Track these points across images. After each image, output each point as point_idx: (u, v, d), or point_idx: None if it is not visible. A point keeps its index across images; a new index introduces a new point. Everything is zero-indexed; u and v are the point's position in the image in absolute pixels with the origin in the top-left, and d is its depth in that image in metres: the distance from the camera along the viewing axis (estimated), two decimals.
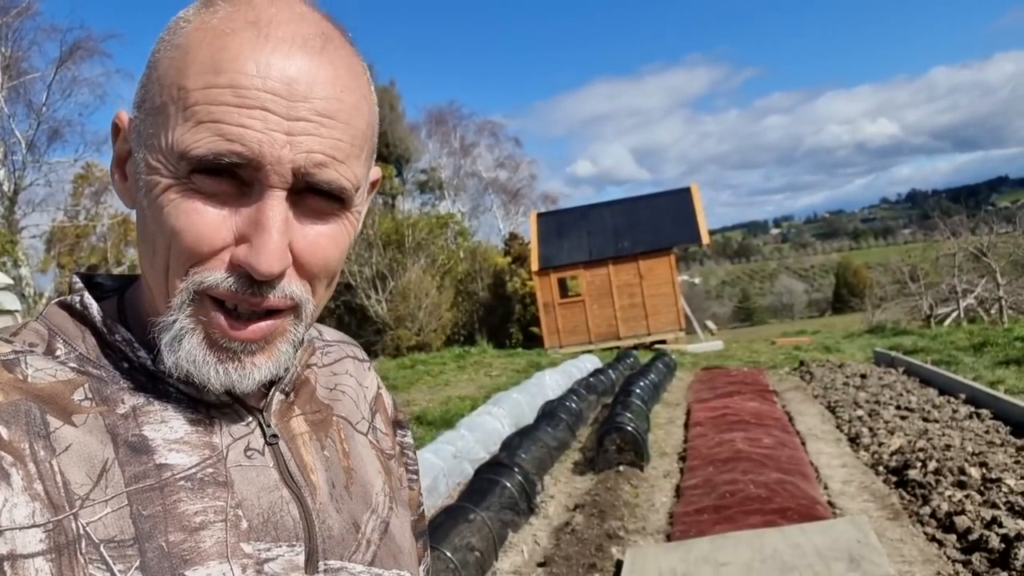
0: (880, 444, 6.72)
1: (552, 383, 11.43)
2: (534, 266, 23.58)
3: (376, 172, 0.75)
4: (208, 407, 0.67)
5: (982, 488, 5.14)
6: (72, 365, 0.65)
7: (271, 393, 0.71)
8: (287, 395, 0.73)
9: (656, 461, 7.41)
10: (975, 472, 5.41)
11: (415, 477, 0.91)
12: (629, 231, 23.72)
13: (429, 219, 28.75)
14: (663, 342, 21.87)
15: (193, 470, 0.63)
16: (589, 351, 19.32)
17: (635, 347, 20.66)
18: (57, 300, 0.71)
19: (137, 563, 0.58)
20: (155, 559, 0.59)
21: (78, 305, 0.69)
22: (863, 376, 10.70)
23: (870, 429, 7.32)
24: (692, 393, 11.12)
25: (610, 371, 12.43)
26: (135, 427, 0.63)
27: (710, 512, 5.52)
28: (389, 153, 32.28)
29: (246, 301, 0.62)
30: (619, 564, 4.77)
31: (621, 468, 6.95)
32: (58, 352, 0.65)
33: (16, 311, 14.99)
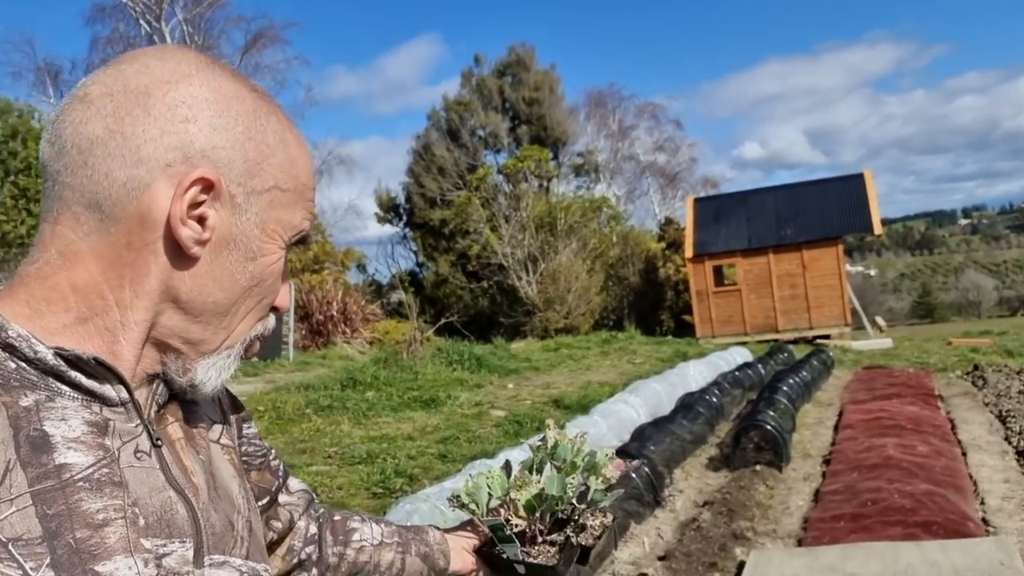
0: None
1: (695, 374, 11.16)
2: (688, 252, 22.99)
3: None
4: (103, 406, 0.69)
5: None
6: None
7: (149, 399, 0.75)
8: (159, 407, 0.77)
9: (797, 462, 7.08)
10: None
11: (264, 458, 1.01)
12: (793, 218, 22.60)
13: (582, 202, 28.68)
14: (826, 337, 20.74)
15: (90, 470, 0.66)
16: (744, 343, 18.66)
17: (794, 341, 19.74)
18: None
19: (48, 560, 0.61)
20: (65, 555, 0.61)
21: None
22: None
23: None
24: (848, 393, 10.51)
25: (759, 365, 11.96)
26: (37, 421, 0.65)
27: (847, 520, 5.22)
28: (546, 136, 32.43)
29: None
30: (741, 565, 4.62)
31: (758, 467, 6.70)
32: None
33: None
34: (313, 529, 1.08)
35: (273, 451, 1.03)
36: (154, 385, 0.75)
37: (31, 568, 0.60)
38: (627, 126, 40.06)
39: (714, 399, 8.92)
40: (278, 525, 1.02)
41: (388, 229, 34.25)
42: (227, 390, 0.96)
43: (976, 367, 12.08)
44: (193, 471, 0.76)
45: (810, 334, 21.13)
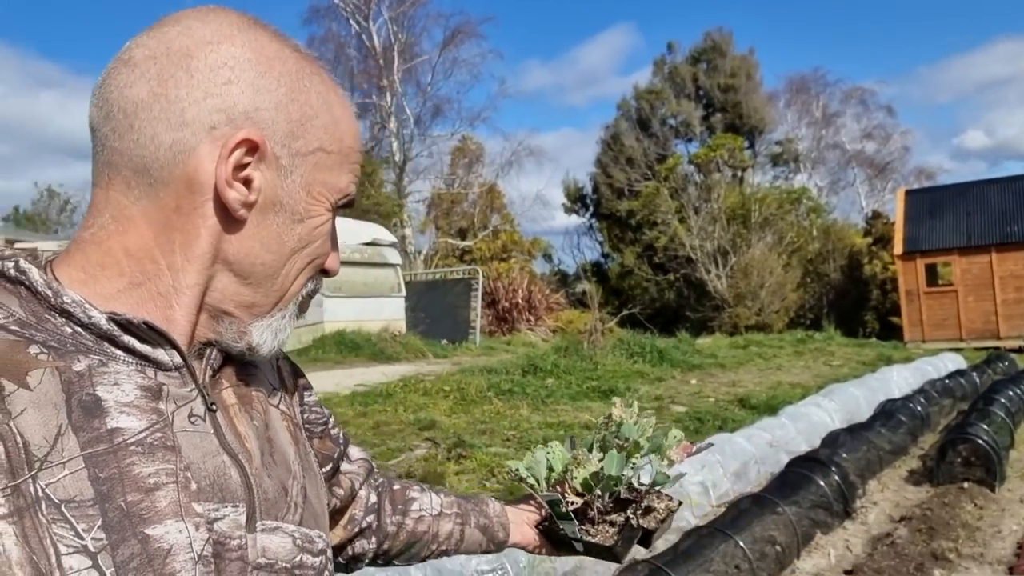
0: None
1: (899, 380, 10.33)
2: (898, 249, 21.26)
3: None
4: (157, 371, 0.69)
5: None
6: (14, 328, 0.65)
7: (204, 364, 0.75)
8: (214, 371, 0.76)
9: (1013, 483, 6.34)
10: None
11: (325, 427, 1.00)
12: (1020, 213, 20.28)
13: (779, 194, 27.32)
14: None
15: (143, 434, 0.66)
16: (957, 349, 17.02)
17: (1018, 350, 17.72)
18: None
19: (99, 522, 0.61)
20: (116, 518, 0.62)
21: (12, 271, 0.69)
22: None
23: None
24: None
25: (974, 374, 10.85)
26: (90, 386, 0.65)
27: None
28: (742, 124, 31.17)
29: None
30: None
31: (965, 484, 6.07)
32: None
33: (398, 264, 17.43)
34: (373, 498, 1.08)
35: (332, 419, 1.03)
36: (209, 351, 0.75)
37: (83, 529, 0.60)
38: (832, 113, 37.65)
39: (919, 407, 8.19)
40: (340, 492, 1.03)
41: (575, 219, 34.51)
42: (288, 358, 0.96)
43: None
44: (246, 436, 0.75)
45: None
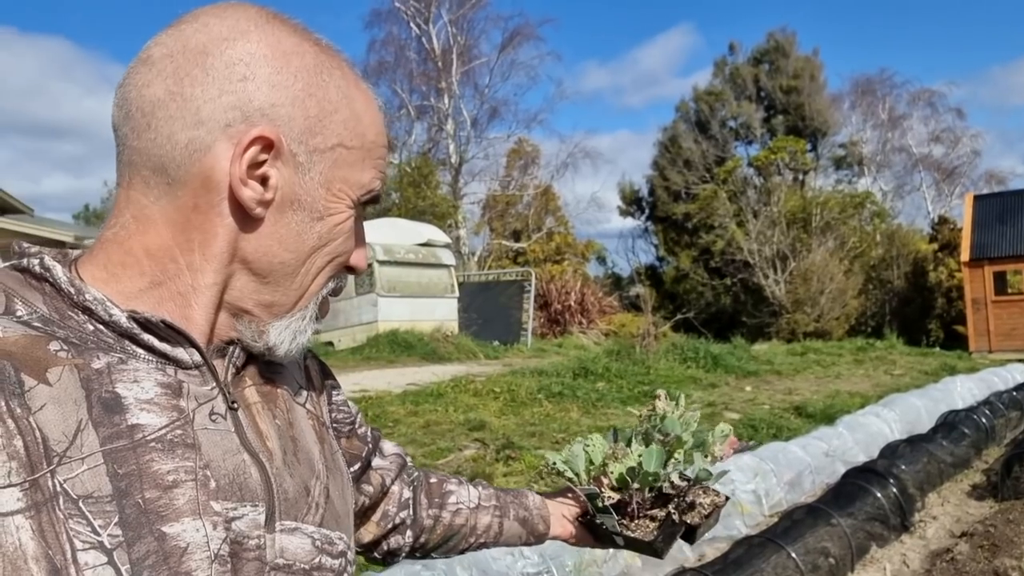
0: None
1: (963, 391, 9.98)
2: (964, 255, 20.59)
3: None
4: (177, 369, 0.70)
5: None
6: (37, 324, 0.66)
7: (227, 363, 0.75)
8: (237, 369, 0.76)
9: None
10: None
11: (353, 426, 0.99)
12: None
13: (842, 197, 26.70)
14: None
15: (163, 431, 0.66)
16: None
17: None
18: (8, 264, 0.72)
19: (116, 519, 0.61)
20: (133, 515, 0.62)
21: (38, 268, 0.69)
22: None
23: None
24: None
25: None
26: (109, 383, 0.65)
27: None
28: (804, 127, 30.54)
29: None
30: None
31: None
32: (19, 312, 0.66)
33: (452, 265, 17.55)
34: (407, 493, 1.08)
35: (360, 417, 1.02)
36: (231, 349, 0.75)
37: (99, 526, 0.60)
38: (898, 115, 36.57)
39: (983, 419, 7.91)
40: (369, 490, 1.02)
41: (630, 222, 34.34)
42: (317, 357, 0.97)
43: None
44: (268, 435, 0.75)
45: None
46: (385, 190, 0.81)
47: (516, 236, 29.80)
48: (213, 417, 0.70)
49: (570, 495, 1.20)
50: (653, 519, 1.12)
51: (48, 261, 0.70)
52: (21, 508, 0.58)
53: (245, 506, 0.69)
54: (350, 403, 1.02)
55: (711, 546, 5.16)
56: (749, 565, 4.27)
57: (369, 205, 0.79)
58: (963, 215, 22.41)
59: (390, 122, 29.76)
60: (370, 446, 1.03)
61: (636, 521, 1.13)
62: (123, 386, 0.66)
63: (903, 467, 6.08)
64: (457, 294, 16.89)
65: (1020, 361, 15.69)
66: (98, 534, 0.60)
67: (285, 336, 0.76)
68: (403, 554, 1.10)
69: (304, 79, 0.72)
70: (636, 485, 1.12)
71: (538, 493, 1.21)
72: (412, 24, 29.77)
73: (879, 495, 5.39)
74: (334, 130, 0.74)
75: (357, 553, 0.99)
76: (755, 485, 5.79)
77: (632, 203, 33.58)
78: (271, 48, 0.71)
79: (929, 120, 37.52)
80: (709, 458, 1.13)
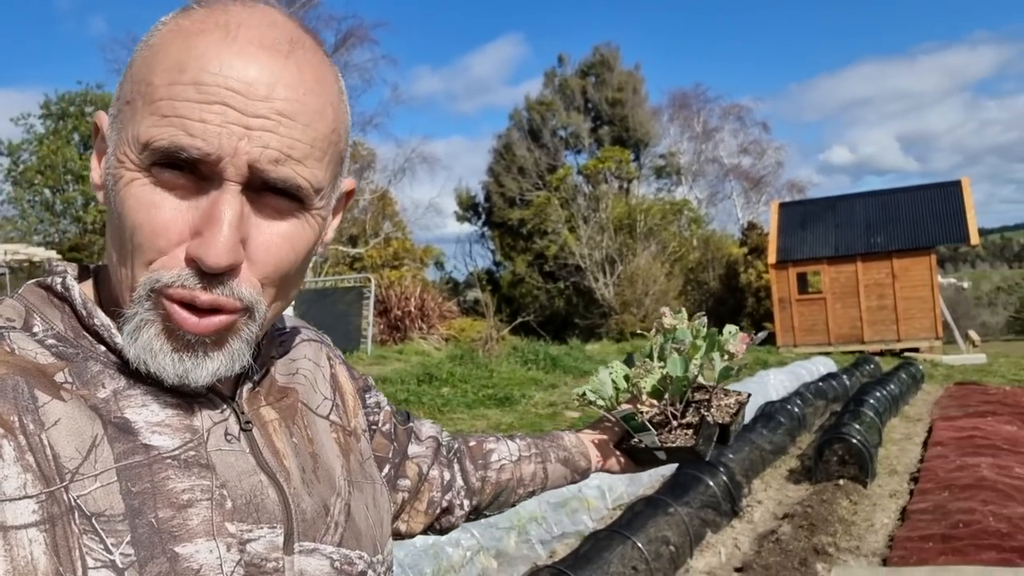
0: None
1: (776, 383, 10.88)
2: (771, 258, 22.41)
3: (350, 183, 0.76)
4: (184, 394, 0.68)
5: None
6: (50, 343, 0.65)
7: (242, 382, 0.73)
8: (254, 385, 0.75)
9: (883, 479, 6.81)
10: None
11: (377, 426, 0.95)
12: (883, 226, 21.77)
13: (663, 205, 28.34)
14: (915, 350, 19.90)
15: (178, 451, 0.65)
16: (827, 353, 18.09)
17: (881, 353, 19.04)
18: (35, 280, 0.72)
19: (128, 538, 0.60)
20: (146, 534, 0.60)
21: (59, 286, 0.69)
22: None
23: None
24: (938, 409, 10.07)
25: (844, 377, 11.56)
26: (117, 410, 0.64)
27: (936, 541, 4.99)
28: (628, 137, 32.15)
29: (196, 297, 0.63)
30: None
31: (841, 482, 6.47)
32: (35, 329, 0.66)
33: None
34: (447, 475, 1.06)
35: (384, 413, 0.98)
36: (249, 365, 0.72)
37: (112, 544, 0.59)
38: (711, 128, 39.31)
39: (796, 409, 8.67)
40: (407, 483, 1.00)
41: (467, 227, 34.65)
42: (347, 364, 0.94)
43: None
44: (285, 454, 0.73)
45: (898, 347, 20.33)
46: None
47: (353, 241, 29.26)
48: (228, 438, 0.69)
49: (602, 425, 1.21)
50: (688, 427, 1.14)
51: (69, 280, 0.69)
52: (36, 521, 0.57)
53: (262, 528, 0.67)
54: (382, 400, 0.98)
55: (561, 543, 5.33)
56: (599, 558, 4.45)
57: (167, 163, 0.62)
58: (769, 221, 24.38)
59: None
60: (395, 445, 0.99)
61: (673, 432, 1.14)
62: (132, 411, 0.64)
63: (731, 456, 6.55)
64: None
65: (822, 354, 17.33)
66: (110, 552, 0.59)
67: (128, 344, 0.65)
68: (460, 523, 1.09)
69: (139, 52, 0.67)
70: (667, 397, 1.14)
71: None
72: None
73: (711, 484, 5.77)
74: (126, 89, 0.66)
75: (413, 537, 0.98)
76: (599, 480, 6.03)
77: (469, 209, 33.93)
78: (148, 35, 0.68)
79: (738, 133, 40.61)
80: (726, 356, 1.15)
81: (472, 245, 34.68)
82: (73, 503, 0.59)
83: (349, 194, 0.77)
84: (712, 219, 35.54)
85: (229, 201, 0.62)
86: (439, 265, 33.23)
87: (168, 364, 0.64)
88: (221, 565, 0.63)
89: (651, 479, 6.68)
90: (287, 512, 0.70)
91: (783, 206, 24.47)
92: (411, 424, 1.05)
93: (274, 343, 0.84)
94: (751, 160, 40.47)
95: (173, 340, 0.64)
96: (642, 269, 25.25)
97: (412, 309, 18.98)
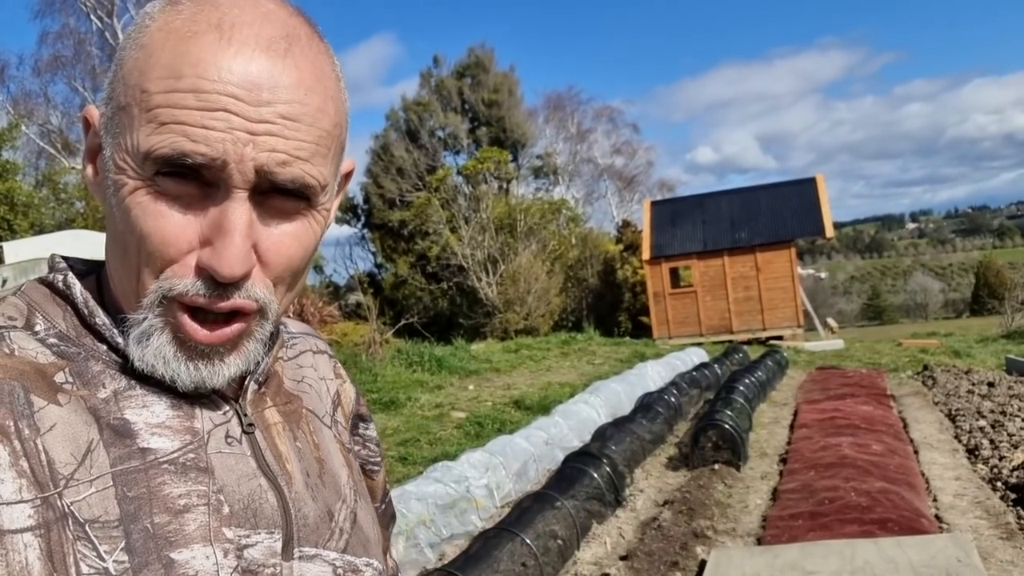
0: (1001, 458, 6.25)
1: (654, 375, 11.26)
2: (646, 255, 23.21)
3: (349, 163, 0.76)
4: (186, 395, 0.67)
5: None
6: (52, 342, 0.65)
7: (246, 383, 0.72)
8: (259, 386, 0.74)
9: (755, 461, 7.17)
10: None
11: (377, 468, 0.93)
12: (747, 221, 22.96)
13: (542, 204, 28.77)
14: (779, 338, 21.10)
15: (176, 454, 0.64)
16: (700, 344, 18.89)
17: (749, 342, 20.04)
18: (38, 278, 0.71)
19: (122, 544, 0.59)
20: (140, 540, 0.60)
21: (60, 284, 0.69)
22: (991, 384, 9.97)
23: (991, 441, 6.81)
24: (802, 393, 10.70)
25: (716, 366, 12.11)
26: (117, 411, 0.63)
27: (805, 518, 5.30)
28: (506, 138, 32.43)
29: (212, 304, 0.63)
30: (703, 564, 4.66)
31: (716, 466, 6.77)
32: (37, 327, 0.66)
33: None
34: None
35: (383, 469, 0.95)
36: (255, 367, 0.72)
37: (105, 551, 0.58)
38: (585, 129, 40.33)
39: (672, 399, 9.00)
40: None
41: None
42: (354, 384, 0.92)
43: (926, 367, 12.39)
44: (288, 457, 0.72)
45: (763, 335, 21.48)
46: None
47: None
48: (228, 440, 0.68)
49: None
50: None
51: (70, 278, 0.69)
52: (31, 526, 0.57)
53: (260, 533, 0.66)
54: (380, 444, 0.94)
55: (451, 544, 5.32)
56: (488, 557, 4.47)
57: (173, 173, 0.61)
58: (643, 219, 25.23)
59: (70, 123, 26.60)
60: (382, 505, 0.94)
61: None
62: (132, 412, 0.64)
63: (613, 447, 6.73)
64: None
65: (695, 344, 18.08)
66: (103, 560, 0.58)
67: (135, 350, 0.64)
68: None
69: (128, 51, 0.64)
70: None
71: None
72: (92, 16, 26.85)
73: (595, 475, 5.91)
74: (119, 92, 0.64)
75: None
76: (487, 479, 6.06)
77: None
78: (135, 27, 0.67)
79: (611, 134, 41.87)
80: None
81: (352, 248, 34.09)
82: (67, 509, 0.58)
83: (348, 174, 0.77)
84: (589, 217, 36.47)
85: (237, 209, 0.61)
86: (318, 269, 32.43)
87: (183, 371, 0.64)
88: (218, 571, 0.62)
89: (538, 474, 6.77)
90: (287, 517, 0.69)
91: (655, 204, 25.37)
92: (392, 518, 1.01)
93: (284, 344, 0.83)
94: (624, 160, 41.81)
95: (186, 349, 0.64)
96: (524, 268, 25.53)
97: (291, 315, 18.45)
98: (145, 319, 0.64)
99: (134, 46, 0.63)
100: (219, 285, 0.62)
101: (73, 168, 23.43)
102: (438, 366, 12.78)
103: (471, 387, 11.94)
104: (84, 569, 0.57)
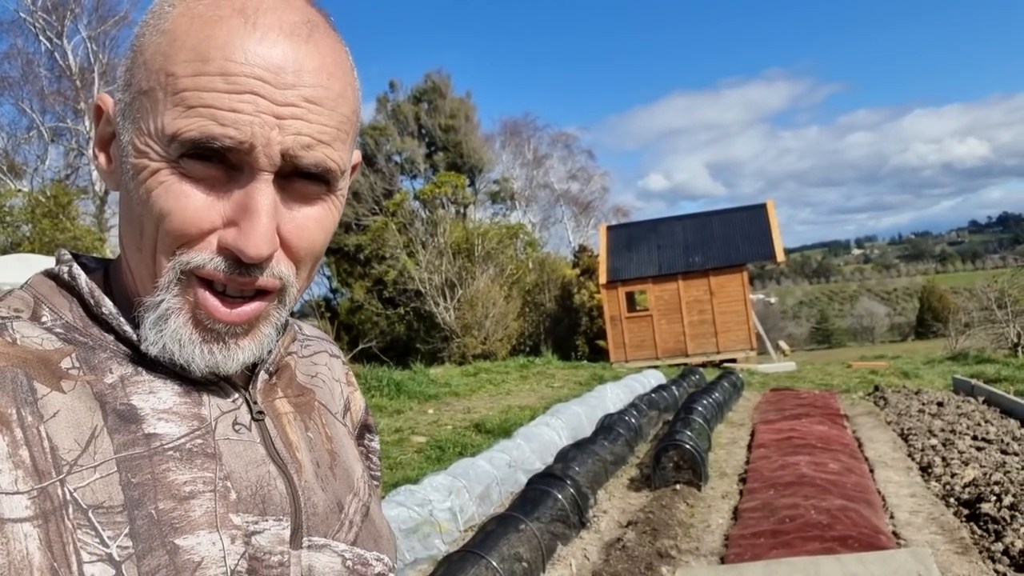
0: (953, 475, 6.40)
1: (613, 397, 11.32)
2: (602, 279, 23.42)
3: (357, 155, 0.77)
4: (195, 381, 0.67)
5: None
6: (58, 332, 0.65)
7: (256, 372, 0.72)
8: (271, 375, 0.74)
9: (715, 481, 7.23)
10: None
11: (376, 483, 0.93)
12: (701, 246, 23.35)
13: (499, 229, 28.86)
14: (733, 361, 21.40)
15: (182, 440, 0.63)
16: (655, 367, 19.05)
17: (704, 365, 20.28)
18: (44, 271, 0.71)
19: (127, 530, 0.59)
20: (144, 526, 0.59)
21: (66, 275, 0.69)
22: (940, 404, 10.23)
23: (943, 459, 6.98)
24: (758, 414, 10.84)
25: (673, 388, 12.22)
26: (123, 396, 0.63)
27: (767, 536, 5.35)
28: (463, 163, 32.57)
29: (235, 281, 0.63)
30: None
31: (678, 487, 6.81)
32: (44, 318, 0.66)
33: None
34: None
35: (379, 486, 0.95)
36: (267, 356, 0.73)
37: (108, 537, 0.58)
38: (541, 155, 40.66)
39: (633, 420, 9.04)
40: None
41: None
42: (362, 398, 0.92)
43: (877, 388, 12.66)
44: (298, 446, 0.72)
45: (718, 358, 21.77)
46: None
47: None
48: (237, 427, 0.67)
49: None
50: None
51: (76, 270, 0.69)
52: (30, 516, 0.56)
53: (268, 520, 0.65)
54: (381, 460, 0.95)
55: (414, 569, 5.24)
56: None
57: (201, 155, 0.61)
58: (599, 244, 25.48)
59: (17, 144, 25.94)
60: None
61: None
62: (139, 398, 0.63)
63: (576, 469, 6.73)
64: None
65: (651, 367, 18.23)
66: (107, 546, 0.57)
67: (150, 334, 0.64)
68: None
69: (149, 37, 0.65)
70: None
71: None
72: (42, 37, 26.34)
73: (560, 497, 5.90)
74: (138, 77, 0.64)
75: None
76: (451, 503, 6.00)
77: None
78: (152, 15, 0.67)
79: (567, 160, 42.29)
80: None
81: None
82: (68, 497, 0.58)
83: (355, 167, 0.77)
84: (546, 242, 36.68)
85: (264, 190, 0.62)
86: None
87: (197, 355, 0.64)
88: (224, 557, 0.61)
89: (501, 497, 6.73)
90: (295, 505, 0.68)
91: (611, 229, 25.66)
92: None
93: (297, 339, 0.83)
94: (579, 186, 42.22)
95: (202, 331, 0.64)
96: (482, 292, 25.52)
97: None
98: (163, 301, 0.63)
99: (155, 32, 0.64)
100: (241, 265, 0.62)
101: (19, 191, 22.81)
102: (397, 391, 12.66)
103: (431, 411, 11.85)
104: (85, 556, 0.57)
